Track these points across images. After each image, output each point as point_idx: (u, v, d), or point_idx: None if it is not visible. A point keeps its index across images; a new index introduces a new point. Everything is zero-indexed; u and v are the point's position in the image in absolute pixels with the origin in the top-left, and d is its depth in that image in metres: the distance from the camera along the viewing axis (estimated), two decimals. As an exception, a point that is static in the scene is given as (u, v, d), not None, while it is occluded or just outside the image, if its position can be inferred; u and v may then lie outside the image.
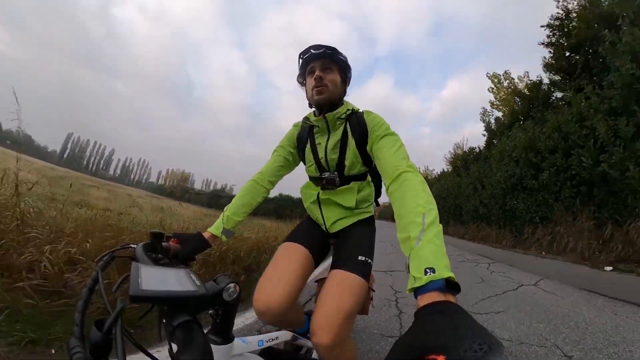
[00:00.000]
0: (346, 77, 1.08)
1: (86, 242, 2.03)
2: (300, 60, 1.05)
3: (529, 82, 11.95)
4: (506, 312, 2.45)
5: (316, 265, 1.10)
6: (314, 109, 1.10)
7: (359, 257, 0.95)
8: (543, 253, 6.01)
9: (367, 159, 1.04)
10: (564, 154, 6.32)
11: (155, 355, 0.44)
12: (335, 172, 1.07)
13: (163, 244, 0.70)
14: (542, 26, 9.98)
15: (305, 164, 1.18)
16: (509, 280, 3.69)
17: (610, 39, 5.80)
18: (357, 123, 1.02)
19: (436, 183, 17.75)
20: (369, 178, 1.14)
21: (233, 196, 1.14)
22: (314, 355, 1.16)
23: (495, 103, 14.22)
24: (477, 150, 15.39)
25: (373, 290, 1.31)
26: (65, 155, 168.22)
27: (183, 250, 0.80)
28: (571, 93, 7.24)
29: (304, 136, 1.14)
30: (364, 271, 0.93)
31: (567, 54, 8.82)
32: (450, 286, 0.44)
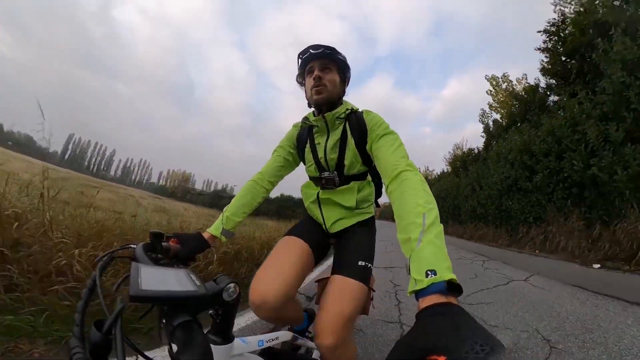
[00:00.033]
0: (345, 76, 1.08)
1: (108, 245, 2.09)
2: (300, 60, 1.05)
3: (527, 84, 12.24)
4: (495, 303, 2.71)
5: (316, 262, 1.08)
6: (313, 109, 1.10)
7: (359, 262, 0.95)
8: (536, 252, 6.27)
9: (366, 159, 1.03)
10: (557, 157, 6.58)
11: (155, 355, 0.44)
12: (335, 172, 1.07)
13: (163, 244, 0.70)
14: (538, 31, 10.26)
15: (305, 164, 1.17)
16: (501, 276, 3.95)
17: (603, 47, 6.04)
18: (357, 122, 1.02)
19: (436, 183, 17.97)
20: (369, 178, 1.14)
21: (234, 197, 1.14)
22: (314, 355, 1.19)
23: (493, 105, 14.52)
24: (476, 151, 15.65)
25: (373, 290, 1.34)
26: (66, 156, 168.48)
27: (183, 250, 0.81)
28: (566, 97, 7.49)
29: (304, 136, 1.14)
30: (364, 276, 0.93)
31: (563, 59, 9.08)
32: (452, 288, 0.43)
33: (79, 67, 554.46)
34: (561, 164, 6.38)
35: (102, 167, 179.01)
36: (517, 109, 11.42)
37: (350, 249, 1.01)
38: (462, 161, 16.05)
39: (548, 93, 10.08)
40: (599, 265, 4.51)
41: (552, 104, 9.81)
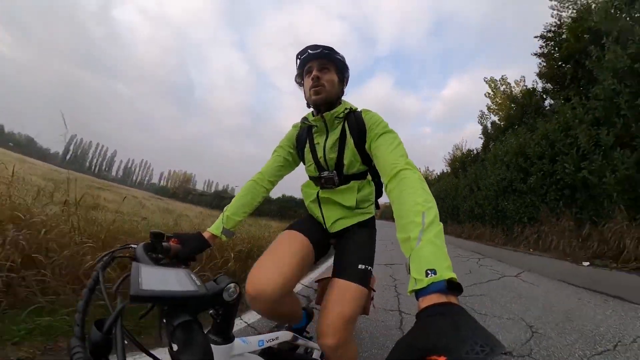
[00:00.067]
0: (344, 76, 1.08)
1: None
2: (298, 60, 1.05)
3: (524, 87, 12.50)
4: (486, 295, 2.97)
5: (316, 260, 1.08)
6: (312, 109, 1.10)
7: (359, 266, 0.96)
8: (530, 250, 6.54)
9: (366, 158, 1.03)
10: (550, 160, 6.83)
11: (156, 355, 0.45)
12: (334, 171, 1.06)
13: (163, 244, 0.71)
14: (535, 37, 10.53)
15: (305, 164, 1.18)
16: (494, 272, 4.22)
17: (596, 54, 6.23)
18: (355, 122, 1.02)
19: (436, 184, 18.10)
20: (369, 177, 1.14)
21: (235, 196, 1.15)
22: (314, 355, 1.20)
23: (492, 107, 14.79)
24: (475, 152, 15.88)
25: (374, 290, 1.32)
26: (67, 157, 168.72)
27: (183, 250, 0.81)
28: (560, 102, 7.73)
29: (303, 136, 1.14)
30: (364, 279, 0.94)
31: (560, 63, 9.30)
32: (452, 287, 0.43)
33: (79, 67, 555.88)
34: (554, 166, 6.64)
35: (103, 167, 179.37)
36: (514, 112, 11.66)
37: (350, 252, 1.01)
38: (461, 162, 16.25)
39: (544, 97, 10.35)
40: (588, 263, 4.71)
41: (549, 106, 10.08)
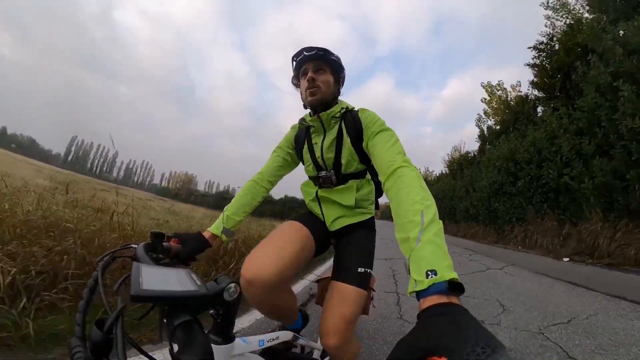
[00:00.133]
0: (339, 77, 1.10)
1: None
2: (294, 62, 1.06)
3: (519, 92, 12.95)
4: (470, 283, 3.51)
5: (315, 255, 1.07)
6: (309, 110, 1.11)
7: (359, 269, 0.96)
8: (519, 247, 7.14)
9: (364, 157, 1.03)
10: (537, 165, 7.43)
11: (156, 355, 0.46)
12: (332, 171, 1.07)
13: (164, 244, 0.71)
14: (528, 47, 11.04)
15: (304, 164, 1.19)
16: (481, 265, 4.79)
17: (582, 69, 6.75)
18: (352, 121, 1.02)
19: (435, 184, 18.44)
20: (368, 176, 1.14)
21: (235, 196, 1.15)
22: (314, 355, 1.22)
23: (488, 112, 15.29)
24: (472, 154, 16.22)
25: (374, 290, 1.31)
26: (69, 158, 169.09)
27: (184, 250, 0.82)
28: (549, 111, 8.22)
29: (301, 137, 1.15)
30: (364, 282, 0.95)
31: (550, 74, 9.79)
32: (453, 287, 0.42)
33: (79, 68, 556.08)
34: (540, 171, 7.24)
35: (104, 168, 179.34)
36: (508, 118, 12.09)
37: (350, 255, 1.02)
38: (459, 164, 16.64)
39: (536, 104, 10.88)
40: (568, 259, 5.25)
41: (540, 113, 10.56)
